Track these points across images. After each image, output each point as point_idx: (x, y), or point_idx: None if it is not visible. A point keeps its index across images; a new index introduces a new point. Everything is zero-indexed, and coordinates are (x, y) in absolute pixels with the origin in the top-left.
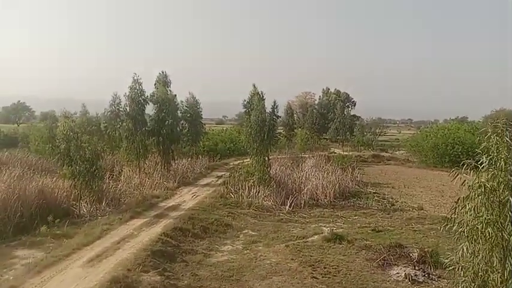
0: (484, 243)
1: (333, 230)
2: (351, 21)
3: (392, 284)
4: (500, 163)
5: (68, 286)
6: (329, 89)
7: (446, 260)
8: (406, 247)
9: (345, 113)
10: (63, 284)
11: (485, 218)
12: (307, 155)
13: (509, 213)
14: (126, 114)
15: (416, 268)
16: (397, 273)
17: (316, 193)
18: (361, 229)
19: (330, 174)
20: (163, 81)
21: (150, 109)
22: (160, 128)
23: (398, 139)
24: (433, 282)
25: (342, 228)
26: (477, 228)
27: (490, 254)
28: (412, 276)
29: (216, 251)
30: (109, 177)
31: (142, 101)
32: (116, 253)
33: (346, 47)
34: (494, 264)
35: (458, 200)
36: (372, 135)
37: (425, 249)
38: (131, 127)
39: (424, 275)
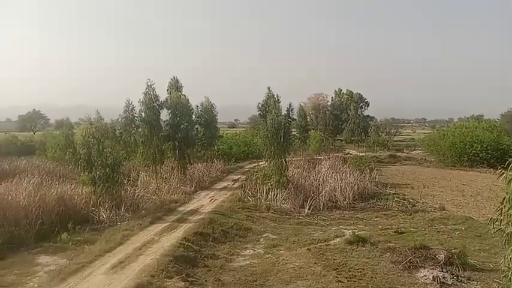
0: None
1: (354, 232)
2: (360, 21)
3: (420, 286)
4: None
5: None
6: (341, 90)
7: (473, 261)
8: (431, 249)
9: (359, 113)
10: None
11: None
12: (322, 157)
13: None
14: (142, 119)
15: (444, 270)
16: (425, 275)
17: (334, 195)
18: (383, 231)
19: (348, 175)
20: (175, 86)
21: (164, 115)
22: (176, 133)
23: (413, 139)
24: (463, 284)
25: (363, 230)
26: None
27: None
28: (440, 279)
29: (237, 255)
30: (126, 182)
31: (157, 106)
32: (138, 259)
33: (356, 47)
34: None
35: (504, 199)
36: (387, 136)
37: (452, 251)
38: (147, 132)
39: (453, 277)
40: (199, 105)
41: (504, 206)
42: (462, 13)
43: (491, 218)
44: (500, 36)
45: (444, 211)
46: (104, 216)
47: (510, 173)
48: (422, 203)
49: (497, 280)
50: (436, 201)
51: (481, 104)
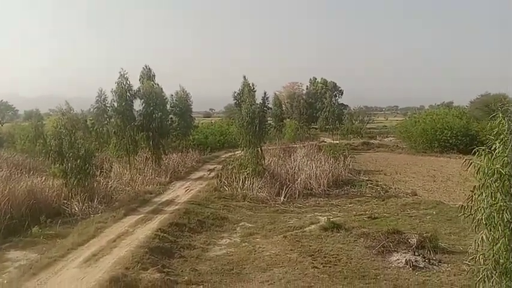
0: (503, 229)
1: (329, 218)
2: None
3: (393, 270)
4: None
5: None
6: (316, 79)
7: (444, 244)
8: (403, 233)
9: (333, 102)
10: (60, 286)
11: (500, 205)
12: (297, 145)
13: None
14: (114, 110)
15: (416, 254)
16: (398, 259)
17: (309, 183)
18: (357, 217)
19: (323, 163)
20: (147, 75)
21: (137, 105)
22: (149, 123)
23: (386, 126)
24: (434, 267)
25: (338, 216)
26: (494, 215)
27: (510, 240)
28: (413, 262)
29: (213, 244)
30: (99, 174)
31: (130, 96)
32: (112, 251)
33: (331, 36)
34: None
35: (474, 187)
36: (360, 123)
37: (424, 235)
38: (120, 123)
39: (425, 261)
40: (173, 95)
41: (475, 194)
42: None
43: (462, 205)
44: (470, 28)
45: (416, 196)
46: (77, 208)
47: (478, 162)
48: (395, 188)
49: (467, 262)
50: (408, 186)
51: (452, 92)
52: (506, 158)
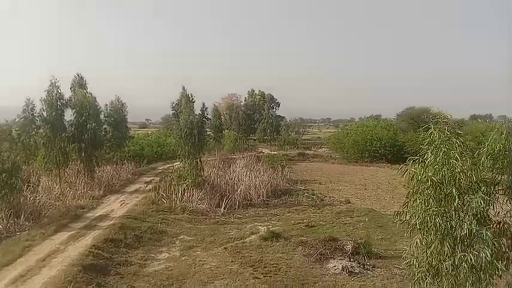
0: (435, 233)
1: (269, 228)
2: (270, 20)
3: (331, 277)
4: (443, 158)
5: None
6: (254, 91)
7: (377, 250)
8: (339, 240)
9: (271, 113)
10: None
11: (433, 210)
12: (236, 156)
13: (454, 204)
14: (43, 119)
15: (352, 260)
16: (334, 266)
17: (249, 193)
18: (295, 225)
19: (262, 173)
20: (79, 84)
21: (68, 114)
22: (82, 134)
23: (320, 137)
24: (368, 272)
25: (277, 226)
26: (427, 220)
27: (442, 243)
28: (348, 268)
29: (152, 260)
30: (26, 188)
31: (60, 105)
32: (42, 271)
33: (268, 46)
34: (446, 253)
35: (408, 193)
36: (296, 135)
37: (358, 241)
38: (49, 133)
39: (360, 266)
40: (108, 104)
41: (410, 200)
42: (372, 14)
43: (397, 211)
44: (394, 38)
45: (349, 204)
46: (0, 226)
47: (412, 169)
48: (330, 197)
49: (398, 266)
50: (342, 195)
51: (378, 103)
52: (437, 166)
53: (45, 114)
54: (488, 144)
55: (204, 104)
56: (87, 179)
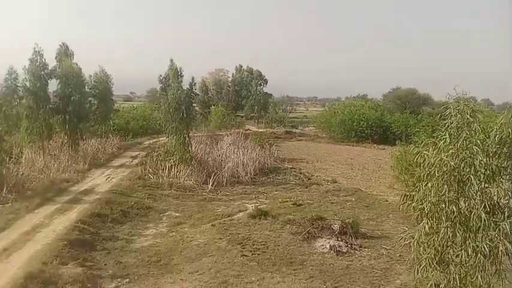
0: (446, 220)
1: (257, 206)
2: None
3: (319, 256)
4: (461, 142)
5: None
6: (241, 66)
7: (364, 230)
8: (327, 219)
9: (259, 90)
10: None
11: (447, 196)
12: (223, 133)
13: (470, 191)
14: (26, 90)
15: (339, 239)
16: (322, 245)
17: (237, 170)
18: (283, 204)
19: (250, 151)
20: (65, 53)
21: (52, 85)
22: (66, 105)
23: (306, 116)
24: (356, 252)
25: (264, 204)
26: (440, 206)
27: (452, 231)
28: (336, 248)
29: (139, 235)
30: (8, 160)
31: (45, 75)
32: (26, 245)
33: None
34: (458, 241)
35: (419, 177)
36: (283, 113)
37: (346, 221)
38: (32, 104)
39: (347, 246)
40: (92, 75)
41: (420, 184)
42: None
43: (405, 194)
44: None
45: (336, 183)
46: None
47: (425, 152)
48: (317, 176)
49: (385, 246)
50: (329, 174)
51: (365, 84)
52: (452, 151)
53: (28, 84)
54: (496, 129)
55: (193, 78)
56: (72, 152)
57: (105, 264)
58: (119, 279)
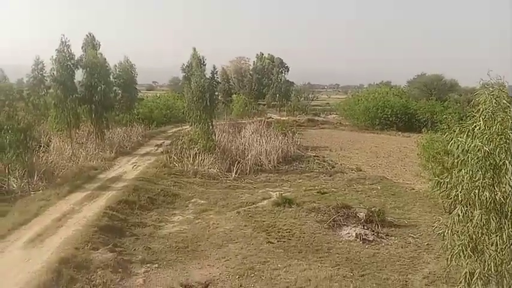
0: (480, 207)
1: (281, 194)
2: None
3: (345, 244)
4: (496, 126)
5: (10, 270)
6: (263, 54)
7: (390, 218)
8: (352, 207)
9: (280, 78)
10: (4, 269)
11: (481, 182)
12: (246, 121)
13: (505, 176)
14: (54, 79)
15: (365, 228)
16: (348, 233)
17: (260, 159)
18: (307, 192)
19: (272, 139)
20: (91, 44)
21: (78, 75)
22: (92, 95)
23: (329, 103)
24: (383, 240)
25: (288, 192)
26: (474, 192)
27: (487, 218)
28: (362, 236)
29: (166, 222)
30: (38, 148)
31: (71, 65)
32: (59, 231)
33: (278, 15)
34: (492, 228)
35: (452, 164)
36: (305, 100)
37: (372, 209)
38: (60, 94)
39: (373, 234)
40: (117, 65)
41: (452, 171)
42: None
43: (438, 181)
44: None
45: (361, 172)
46: (15, 185)
47: (462, 139)
48: (341, 164)
49: (412, 235)
50: (353, 162)
51: (388, 71)
52: (487, 136)
53: (55, 74)
54: None
55: (214, 66)
56: (98, 141)
57: (134, 250)
58: (148, 265)
